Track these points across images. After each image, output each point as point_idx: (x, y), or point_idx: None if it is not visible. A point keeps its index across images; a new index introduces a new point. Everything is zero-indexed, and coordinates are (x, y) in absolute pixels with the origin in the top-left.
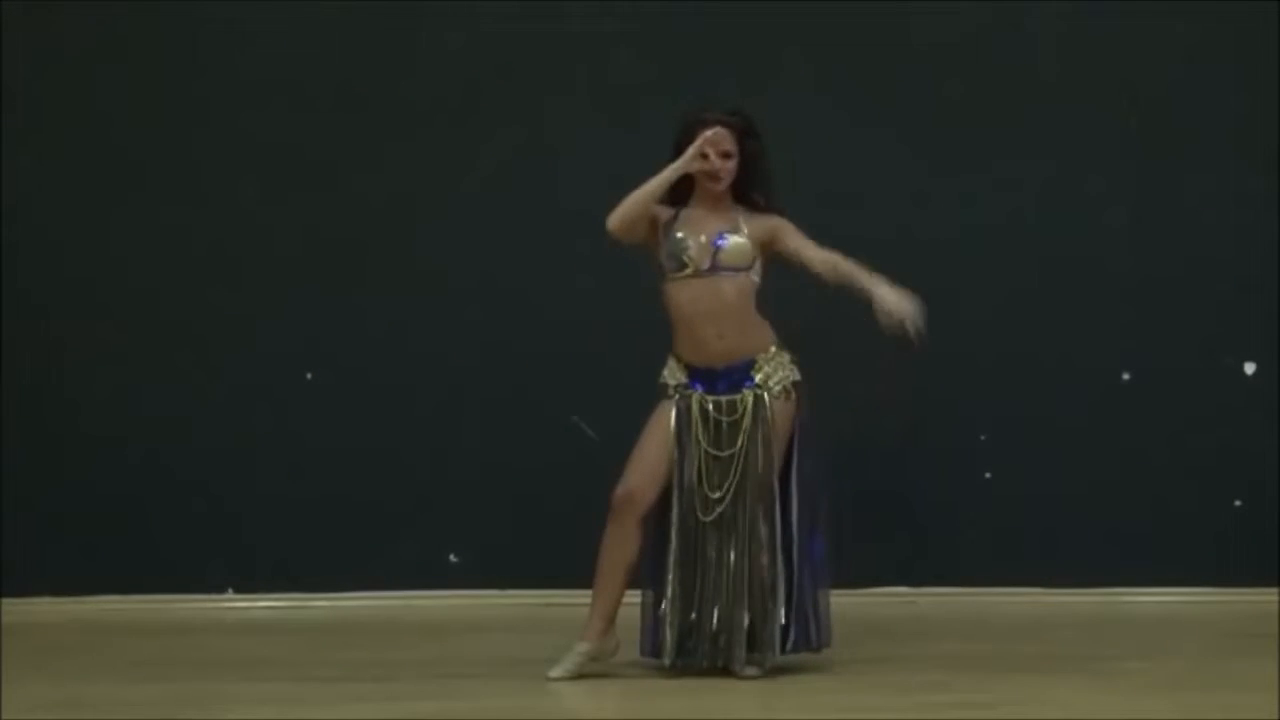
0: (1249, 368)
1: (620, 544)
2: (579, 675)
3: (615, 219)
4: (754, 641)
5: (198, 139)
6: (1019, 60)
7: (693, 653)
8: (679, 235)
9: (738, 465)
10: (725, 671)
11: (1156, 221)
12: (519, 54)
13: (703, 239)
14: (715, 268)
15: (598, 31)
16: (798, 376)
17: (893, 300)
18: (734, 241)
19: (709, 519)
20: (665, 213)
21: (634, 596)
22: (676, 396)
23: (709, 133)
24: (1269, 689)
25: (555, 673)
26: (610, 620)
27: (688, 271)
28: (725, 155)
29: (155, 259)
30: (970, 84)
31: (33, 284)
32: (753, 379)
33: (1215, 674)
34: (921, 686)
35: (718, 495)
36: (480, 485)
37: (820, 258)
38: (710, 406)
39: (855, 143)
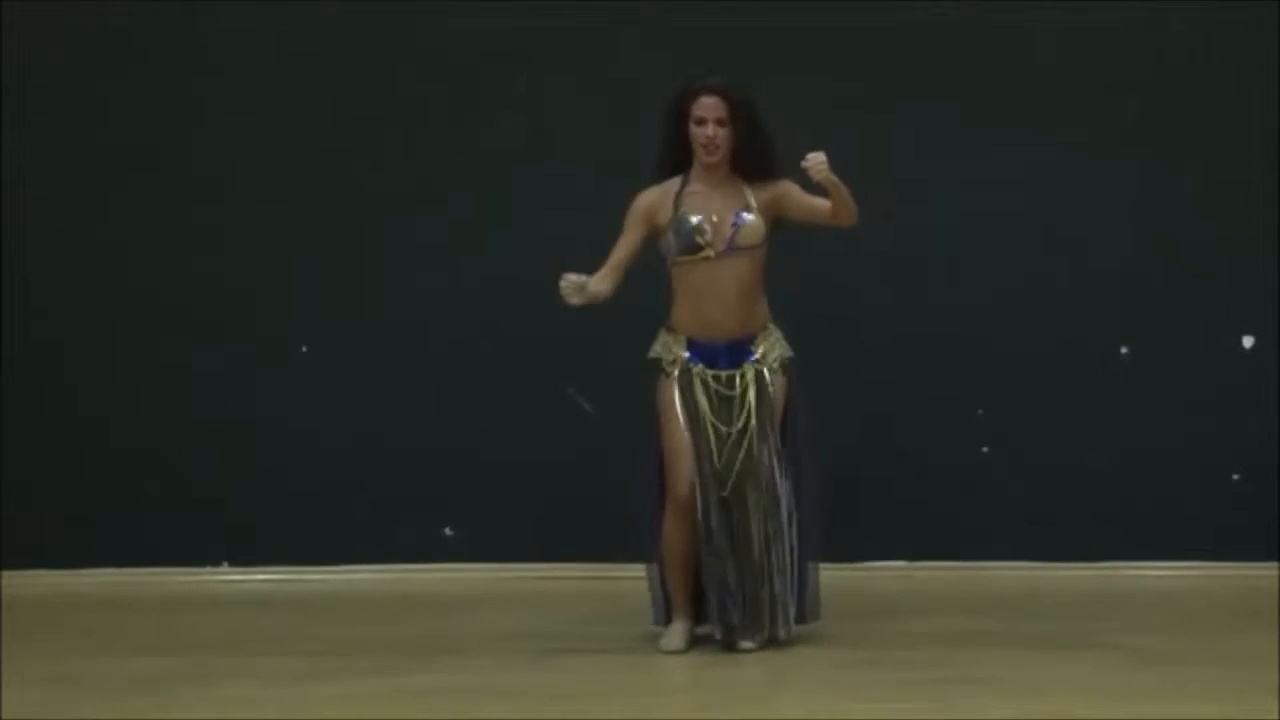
0: (1247, 342)
1: (686, 538)
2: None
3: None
4: (753, 614)
5: (197, 134)
6: (1019, 53)
7: (700, 623)
8: (690, 217)
9: (746, 440)
10: (725, 646)
11: (1154, 195)
12: (519, 46)
13: (715, 219)
14: (732, 248)
15: (598, 24)
16: (790, 352)
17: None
18: (751, 221)
19: (728, 494)
20: (666, 199)
21: (637, 571)
22: (676, 372)
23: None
24: (1268, 664)
25: (667, 646)
26: (693, 599)
27: (704, 254)
28: (720, 123)
29: (154, 246)
30: (970, 76)
31: (30, 264)
32: (753, 354)
33: (1214, 649)
34: (919, 662)
35: (733, 469)
36: (475, 459)
37: (821, 199)
38: (712, 380)
39: (855, 132)
